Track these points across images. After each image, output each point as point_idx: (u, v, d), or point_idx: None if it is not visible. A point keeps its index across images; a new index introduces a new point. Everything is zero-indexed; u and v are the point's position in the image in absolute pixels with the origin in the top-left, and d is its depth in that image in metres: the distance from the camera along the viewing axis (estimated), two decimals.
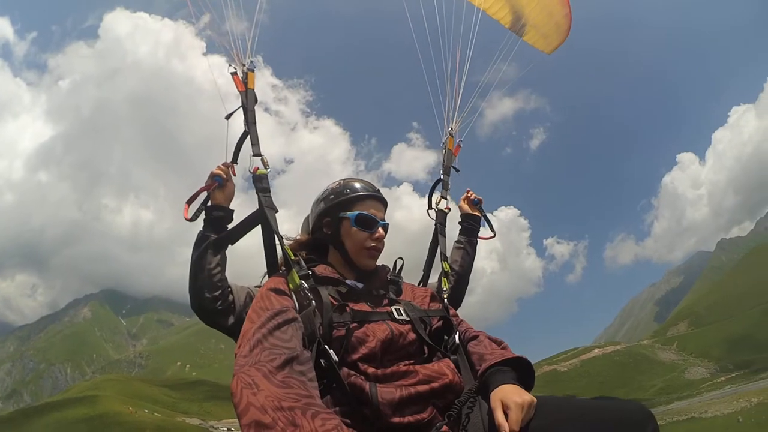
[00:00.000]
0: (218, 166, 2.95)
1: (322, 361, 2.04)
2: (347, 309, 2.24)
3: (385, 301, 2.49)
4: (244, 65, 3.14)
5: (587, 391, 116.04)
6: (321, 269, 2.49)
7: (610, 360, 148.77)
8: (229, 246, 2.89)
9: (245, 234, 2.82)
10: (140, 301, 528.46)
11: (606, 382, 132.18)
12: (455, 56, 4.26)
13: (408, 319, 2.37)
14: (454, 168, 4.03)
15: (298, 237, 2.81)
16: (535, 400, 1.95)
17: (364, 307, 2.36)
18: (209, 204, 2.89)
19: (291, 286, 2.28)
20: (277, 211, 2.71)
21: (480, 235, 3.92)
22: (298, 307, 2.18)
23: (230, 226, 2.90)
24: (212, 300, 2.69)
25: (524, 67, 5.10)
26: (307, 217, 2.95)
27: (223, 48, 3.24)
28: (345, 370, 2.06)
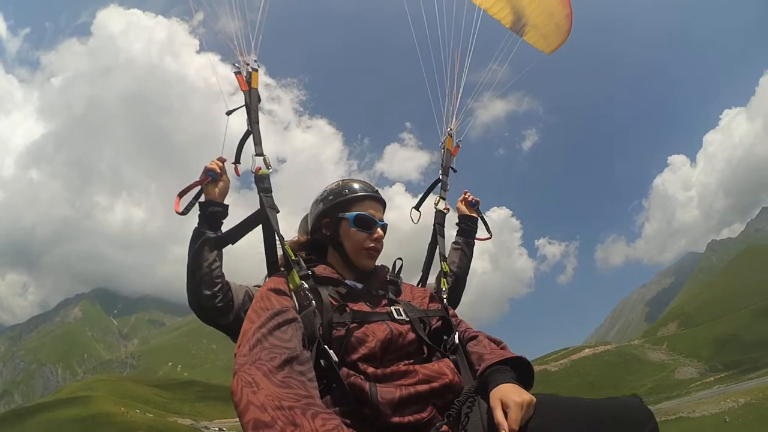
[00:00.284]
0: (213, 161, 2.92)
1: (321, 362, 2.04)
2: (347, 309, 2.25)
3: (385, 302, 2.49)
4: (247, 64, 3.15)
5: (577, 391, 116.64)
6: (321, 269, 2.50)
7: (601, 360, 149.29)
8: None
9: (246, 234, 2.80)
10: (131, 301, 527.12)
11: (596, 381, 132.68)
12: (455, 56, 4.27)
13: (407, 319, 2.38)
14: (452, 168, 4.06)
15: (298, 237, 2.83)
16: (535, 399, 1.96)
17: (363, 307, 2.37)
18: (203, 199, 2.85)
19: (291, 286, 2.29)
20: (278, 212, 2.70)
21: (476, 236, 3.96)
22: (298, 308, 2.18)
23: (225, 222, 2.88)
24: (210, 297, 2.66)
25: (522, 68, 4.98)
26: (305, 217, 2.98)
27: (226, 47, 3.22)
28: (345, 370, 2.06)
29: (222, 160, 2.94)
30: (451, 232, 3.93)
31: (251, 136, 2.94)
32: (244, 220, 2.79)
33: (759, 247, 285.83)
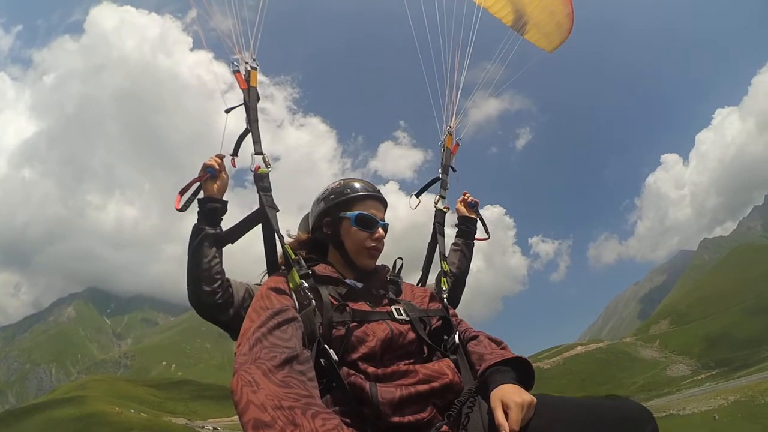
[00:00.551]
0: (211, 157, 2.93)
1: (322, 361, 2.03)
2: (347, 308, 2.24)
3: (385, 301, 2.51)
4: (246, 63, 3.15)
5: (569, 389, 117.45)
6: (321, 268, 2.50)
7: (593, 357, 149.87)
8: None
9: (246, 233, 2.83)
10: (125, 300, 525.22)
11: (588, 379, 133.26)
12: (455, 54, 4.28)
13: (407, 318, 2.38)
14: (452, 168, 4.07)
15: (298, 236, 2.84)
16: (535, 399, 1.95)
17: (363, 306, 2.37)
18: (202, 196, 2.87)
19: (291, 285, 2.28)
20: (278, 210, 2.71)
21: (476, 236, 3.99)
22: (298, 307, 2.18)
23: (224, 217, 2.91)
24: (210, 293, 2.67)
25: (520, 66, 4.96)
26: (306, 216, 3.03)
27: (221, 45, 3.24)
28: (345, 369, 2.06)
29: (221, 156, 2.94)
30: (449, 230, 3.94)
31: (250, 134, 2.97)
32: (244, 219, 2.80)
33: (750, 245, 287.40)
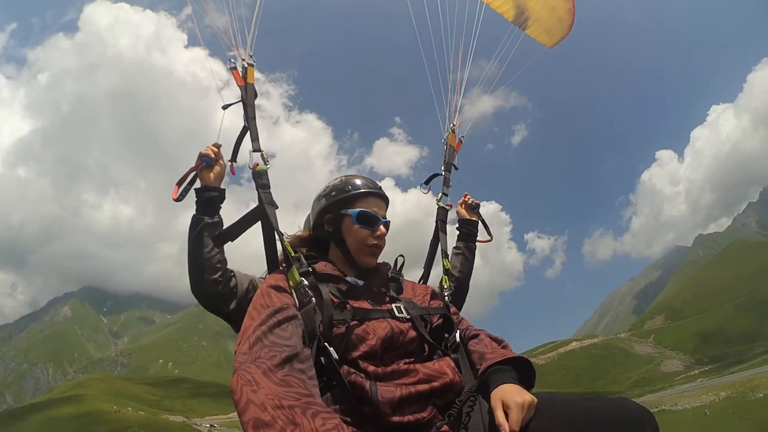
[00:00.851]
0: (208, 147, 2.93)
1: (322, 359, 2.02)
2: (347, 306, 2.24)
3: (386, 299, 2.50)
4: (243, 60, 3.13)
5: (564, 384, 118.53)
6: (321, 266, 2.49)
7: (587, 353, 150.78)
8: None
9: (245, 230, 2.80)
10: (121, 299, 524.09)
11: (582, 374, 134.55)
12: (458, 50, 4.25)
13: (408, 316, 2.38)
14: (454, 166, 4.05)
15: (301, 232, 2.82)
16: (536, 400, 1.94)
17: (364, 304, 2.36)
18: (199, 186, 2.88)
19: (291, 283, 2.27)
20: (277, 208, 2.69)
21: (478, 238, 3.97)
22: (298, 304, 2.17)
23: (223, 210, 2.92)
24: (213, 283, 2.68)
25: (522, 63, 4.94)
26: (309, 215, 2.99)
27: (216, 42, 3.25)
28: (345, 368, 2.05)
29: (217, 145, 2.95)
30: (451, 228, 3.95)
31: (248, 132, 2.96)
32: (243, 216, 2.77)
33: (745, 241, 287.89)
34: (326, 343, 2.05)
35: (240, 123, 3.01)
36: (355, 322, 2.19)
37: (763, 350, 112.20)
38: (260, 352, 1.78)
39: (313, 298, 2.18)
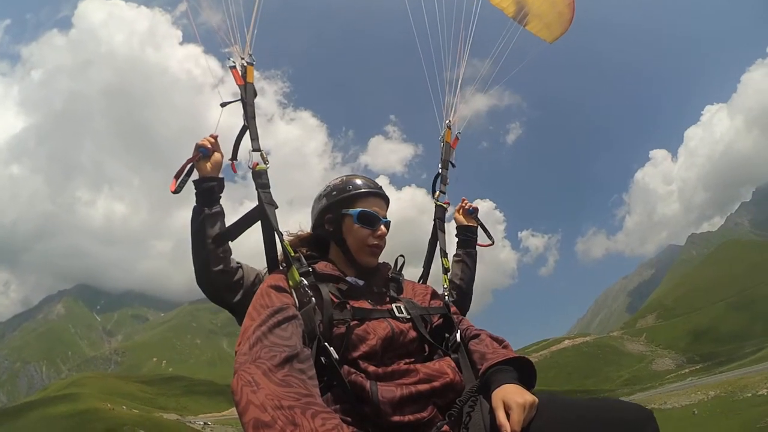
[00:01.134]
0: (204, 138, 2.92)
1: (322, 359, 2.02)
2: (347, 306, 2.23)
3: (386, 299, 2.49)
4: (242, 58, 3.11)
5: (555, 382, 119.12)
6: (322, 266, 2.48)
7: (579, 351, 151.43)
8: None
9: (245, 230, 2.80)
10: (115, 297, 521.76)
11: (574, 372, 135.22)
12: (456, 47, 4.20)
13: (409, 316, 2.37)
14: (451, 163, 4.00)
15: (299, 232, 2.80)
16: (537, 400, 1.94)
17: (364, 304, 2.35)
18: (198, 177, 2.87)
19: (291, 283, 2.27)
20: (276, 207, 2.69)
21: (478, 242, 3.96)
22: (298, 304, 2.17)
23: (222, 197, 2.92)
24: (218, 273, 2.69)
25: (520, 59, 4.80)
26: None
27: (211, 39, 3.23)
28: (345, 368, 2.04)
29: (214, 136, 2.94)
30: (451, 227, 3.96)
31: (248, 131, 2.95)
32: (243, 216, 2.77)
33: (737, 241, 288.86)
34: (326, 343, 2.04)
35: (235, 121, 3.03)
36: (355, 322, 2.19)
37: (754, 349, 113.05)
38: (260, 352, 1.77)
39: (313, 298, 2.17)
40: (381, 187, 2.72)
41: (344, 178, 2.72)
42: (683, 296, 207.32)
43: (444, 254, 3.42)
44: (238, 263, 2.79)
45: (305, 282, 2.24)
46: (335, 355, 2.03)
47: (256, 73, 3.13)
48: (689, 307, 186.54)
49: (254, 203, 2.76)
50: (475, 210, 3.98)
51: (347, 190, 2.62)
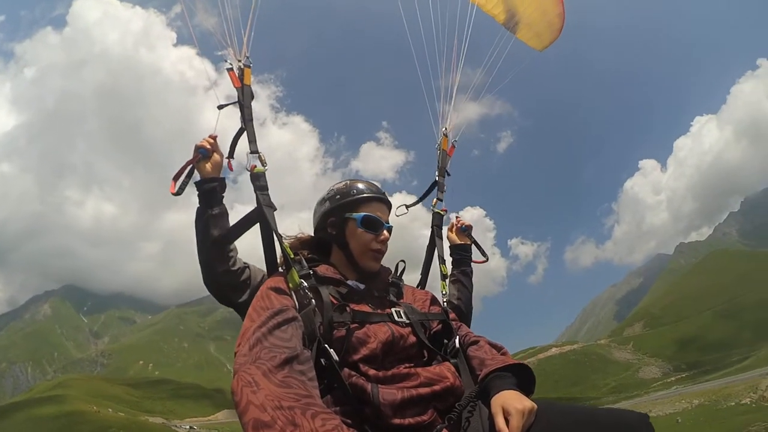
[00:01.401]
0: (203, 138, 2.93)
1: (322, 361, 2.02)
2: (347, 309, 2.23)
3: (386, 303, 2.49)
4: (239, 61, 3.09)
5: (542, 389, 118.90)
6: (323, 269, 2.49)
7: (566, 359, 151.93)
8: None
9: (243, 233, 2.79)
10: (102, 298, 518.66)
11: (561, 380, 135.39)
12: (450, 54, 4.20)
13: (408, 321, 2.38)
14: (446, 172, 3.97)
15: (300, 234, 2.80)
16: (536, 406, 1.95)
17: (364, 308, 2.36)
18: (199, 179, 2.89)
19: (291, 285, 2.27)
20: (275, 209, 2.66)
21: (473, 259, 3.97)
22: (298, 306, 2.17)
23: (224, 200, 2.91)
24: (225, 273, 2.72)
25: (512, 67, 4.74)
26: None
27: (205, 41, 3.22)
28: (346, 370, 2.05)
29: (213, 136, 2.95)
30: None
31: (245, 133, 2.93)
32: (241, 219, 2.76)
33: (725, 250, 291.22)
34: (326, 345, 2.05)
35: (230, 124, 3.01)
36: (355, 325, 2.20)
37: (740, 358, 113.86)
38: (260, 353, 1.78)
39: (313, 300, 2.17)
40: (384, 192, 2.74)
41: (348, 182, 2.72)
42: (671, 305, 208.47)
43: (442, 260, 3.42)
44: (245, 263, 2.81)
45: (305, 284, 2.24)
46: (335, 357, 2.03)
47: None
48: (676, 315, 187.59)
49: (246, 207, 2.74)
50: (468, 228, 4.01)
51: (351, 194, 2.63)
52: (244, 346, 1.84)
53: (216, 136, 2.95)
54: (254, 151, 2.82)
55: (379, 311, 2.39)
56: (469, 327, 3.35)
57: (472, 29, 4.33)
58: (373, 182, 2.76)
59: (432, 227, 3.66)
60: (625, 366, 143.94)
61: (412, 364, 2.24)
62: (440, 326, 2.58)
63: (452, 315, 2.75)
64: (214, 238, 2.73)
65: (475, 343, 2.50)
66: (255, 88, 2.97)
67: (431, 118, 4.09)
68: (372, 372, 2.10)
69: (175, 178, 2.85)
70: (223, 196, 2.89)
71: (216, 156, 2.92)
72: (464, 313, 3.62)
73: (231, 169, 3.02)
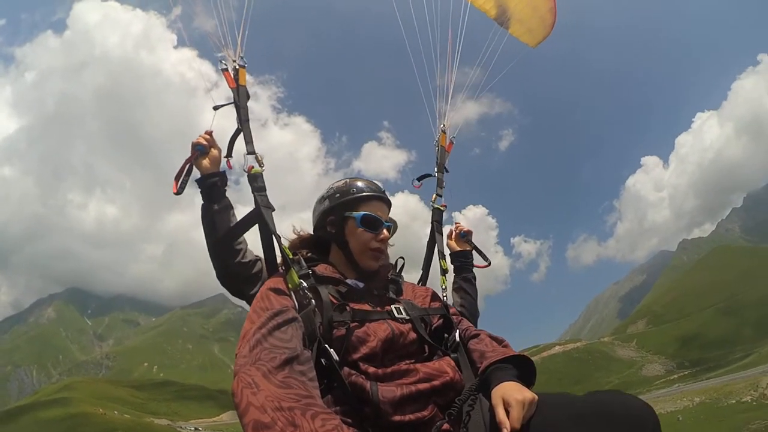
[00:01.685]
0: (200, 135, 2.94)
1: (323, 361, 2.02)
2: (347, 308, 2.22)
3: (386, 301, 2.48)
4: (234, 61, 3.08)
5: (545, 387, 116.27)
6: (322, 268, 2.48)
7: (570, 357, 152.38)
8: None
9: (242, 234, 2.80)
10: (105, 300, 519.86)
11: (564, 378, 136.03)
12: (446, 51, 4.21)
13: (408, 318, 2.37)
14: (445, 168, 3.99)
15: (300, 232, 2.78)
16: (537, 397, 1.94)
17: (364, 306, 2.35)
18: (199, 176, 2.89)
19: (290, 285, 2.26)
20: (273, 210, 2.67)
21: (475, 264, 3.95)
22: (297, 307, 2.17)
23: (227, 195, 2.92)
24: (236, 266, 2.75)
25: (507, 64, 4.75)
26: None
27: (206, 43, 3.17)
28: (345, 369, 2.04)
29: (209, 132, 2.96)
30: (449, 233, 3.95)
31: (242, 134, 2.94)
32: (240, 220, 2.77)
33: (728, 246, 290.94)
34: (326, 345, 2.04)
35: (227, 124, 3.00)
36: (355, 324, 2.18)
37: (742, 355, 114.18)
38: (260, 354, 1.77)
39: (313, 301, 2.16)
40: (384, 190, 2.72)
41: (347, 180, 2.70)
42: (673, 302, 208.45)
43: (442, 256, 3.48)
44: (256, 256, 2.83)
45: (304, 284, 2.22)
46: (336, 357, 2.02)
47: (250, 78, 3.20)
48: (679, 312, 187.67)
49: (248, 208, 2.74)
50: (468, 233, 3.99)
51: (351, 193, 2.60)
52: (245, 348, 1.83)
53: (212, 132, 2.97)
54: (251, 151, 2.83)
55: (378, 309, 2.36)
56: (476, 323, 3.61)
57: (466, 27, 4.38)
58: (373, 181, 2.73)
59: (432, 223, 3.74)
60: (628, 363, 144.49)
61: (413, 361, 2.22)
62: (441, 321, 2.55)
63: (452, 309, 2.74)
64: (222, 233, 2.74)
65: (476, 336, 2.49)
66: (256, 89, 3.16)
67: (429, 115, 4.16)
68: (371, 369, 2.08)
69: (176, 178, 2.87)
70: (225, 190, 2.90)
71: (213, 151, 2.93)
72: (469, 320, 3.53)
73: (230, 167, 3.02)
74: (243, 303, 2.79)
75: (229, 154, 2.98)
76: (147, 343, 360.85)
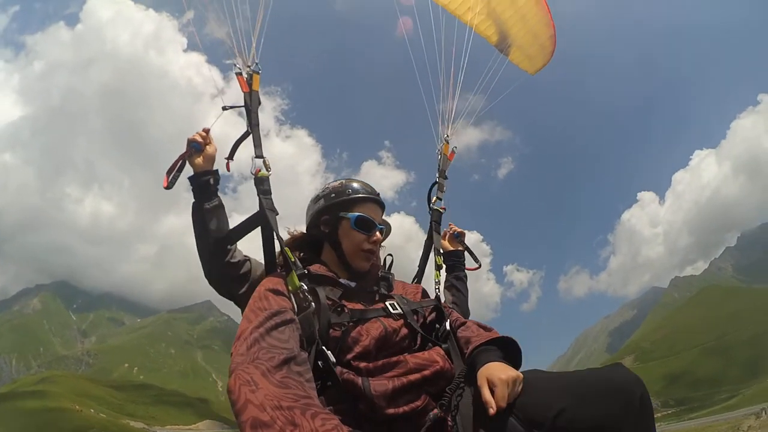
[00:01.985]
0: (196, 132, 2.95)
1: (319, 363, 2.03)
2: (345, 310, 2.24)
3: (377, 298, 2.52)
4: (249, 66, 3.11)
5: None
6: (315, 268, 2.50)
7: None
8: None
9: (245, 234, 2.79)
10: (92, 297, 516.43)
11: None
12: (449, 65, 4.30)
13: (401, 311, 2.41)
14: (445, 175, 4.07)
15: (294, 231, 2.83)
16: (521, 375, 1.97)
17: (358, 305, 2.37)
18: (192, 174, 2.89)
19: (290, 287, 2.26)
20: (277, 214, 2.66)
21: (466, 266, 4.04)
22: (296, 309, 2.16)
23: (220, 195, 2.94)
24: (225, 265, 2.74)
25: (507, 87, 4.94)
26: None
27: (217, 48, 3.20)
28: (339, 368, 2.05)
29: (206, 130, 2.96)
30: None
31: (250, 137, 2.93)
32: (244, 221, 2.76)
33: (718, 286, 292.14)
34: (323, 347, 2.05)
35: (231, 130, 3.06)
36: (350, 325, 2.21)
37: (727, 396, 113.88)
38: (258, 353, 1.76)
39: (313, 303, 2.16)
40: (378, 193, 2.77)
41: (343, 181, 2.75)
42: (662, 339, 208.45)
43: (438, 253, 3.52)
44: (245, 256, 2.82)
45: (305, 287, 2.22)
46: (332, 359, 2.03)
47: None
48: (667, 350, 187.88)
49: (242, 216, 2.77)
50: (461, 234, 4.13)
51: (346, 194, 2.65)
52: (242, 346, 1.82)
53: (208, 129, 2.96)
54: (259, 155, 2.81)
55: (372, 307, 2.40)
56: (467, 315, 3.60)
57: (468, 59, 4.43)
58: (368, 183, 2.79)
59: (431, 222, 3.79)
60: None
61: (404, 353, 2.25)
62: (434, 314, 2.62)
63: (444, 303, 2.79)
64: (216, 239, 2.74)
65: (464, 324, 2.57)
66: (261, 98, 3.04)
67: (432, 125, 4.28)
68: (363, 365, 2.11)
69: (168, 172, 2.86)
70: (217, 189, 2.89)
71: (209, 149, 2.92)
72: (462, 313, 3.56)
73: (228, 170, 3.01)
74: (230, 312, 2.88)
75: (230, 157, 2.98)
76: (130, 343, 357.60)
